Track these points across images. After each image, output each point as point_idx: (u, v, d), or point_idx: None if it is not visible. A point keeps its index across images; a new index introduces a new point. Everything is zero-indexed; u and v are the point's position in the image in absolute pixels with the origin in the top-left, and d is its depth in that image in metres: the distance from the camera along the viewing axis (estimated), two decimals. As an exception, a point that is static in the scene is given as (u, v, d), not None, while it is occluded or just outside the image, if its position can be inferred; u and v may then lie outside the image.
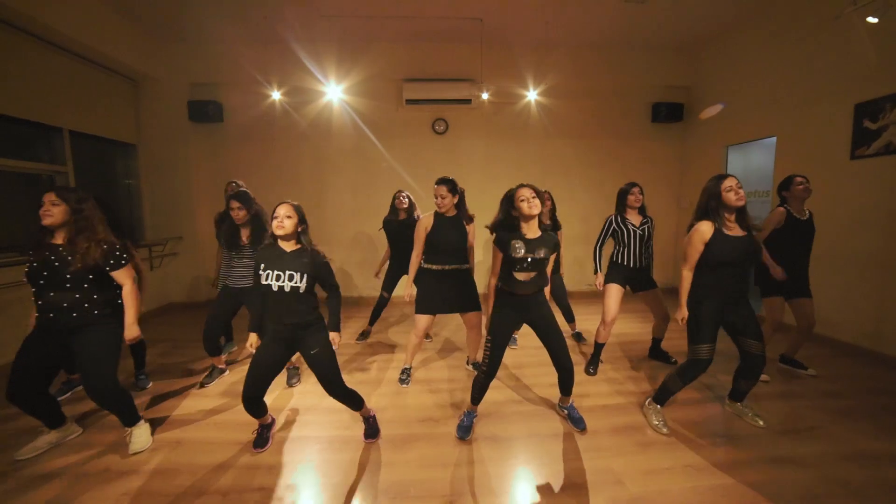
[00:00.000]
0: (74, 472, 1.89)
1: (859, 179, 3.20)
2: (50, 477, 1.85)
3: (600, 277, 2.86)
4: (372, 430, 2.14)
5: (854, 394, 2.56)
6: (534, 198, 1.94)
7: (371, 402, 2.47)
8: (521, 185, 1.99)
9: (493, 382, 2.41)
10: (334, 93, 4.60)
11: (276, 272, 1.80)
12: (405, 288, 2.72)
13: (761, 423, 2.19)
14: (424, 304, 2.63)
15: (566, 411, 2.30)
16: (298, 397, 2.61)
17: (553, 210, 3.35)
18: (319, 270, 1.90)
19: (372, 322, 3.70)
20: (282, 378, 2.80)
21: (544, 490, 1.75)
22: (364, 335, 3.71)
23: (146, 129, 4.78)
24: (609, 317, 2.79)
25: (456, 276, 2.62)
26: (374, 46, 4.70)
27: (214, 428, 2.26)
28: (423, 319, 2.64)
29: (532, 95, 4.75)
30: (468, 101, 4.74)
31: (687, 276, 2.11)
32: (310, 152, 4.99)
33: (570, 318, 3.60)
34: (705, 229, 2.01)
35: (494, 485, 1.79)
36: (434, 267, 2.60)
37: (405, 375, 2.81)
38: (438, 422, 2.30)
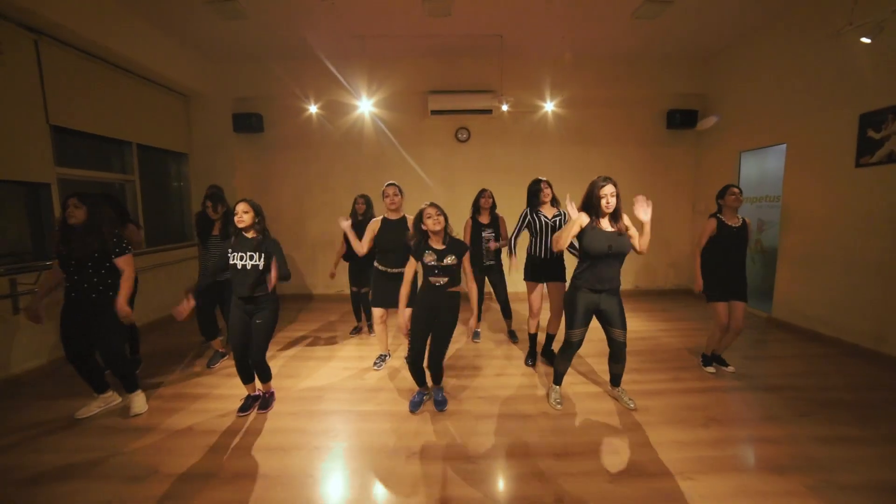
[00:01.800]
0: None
1: (863, 186, 3.34)
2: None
3: (514, 260, 3.25)
4: (269, 402, 2.58)
5: (851, 389, 2.75)
6: (438, 215, 2.32)
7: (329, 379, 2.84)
8: (428, 205, 2.36)
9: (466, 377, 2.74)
10: (365, 106, 4.99)
11: (240, 254, 2.33)
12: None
13: (633, 405, 2.52)
14: (374, 297, 3.04)
15: (426, 395, 2.63)
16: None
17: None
18: (274, 253, 2.38)
19: (358, 317, 4.08)
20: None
21: (549, 455, 2.06)
22: (357, 330, 4.07)
23: (196, 139, 5.30)
24: (534, 309, 3.13)
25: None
26: (401, 62, 5.08)
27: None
28: (376, 311, 3.07)
29: (549, 106, 5.02)
30: (489, 111, 5.05)
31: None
32: (342, 160, 5.42)
33: (507, 315, 3.74)
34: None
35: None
36: (380, 267, 2.99)
37: (380, 360, 3.22)
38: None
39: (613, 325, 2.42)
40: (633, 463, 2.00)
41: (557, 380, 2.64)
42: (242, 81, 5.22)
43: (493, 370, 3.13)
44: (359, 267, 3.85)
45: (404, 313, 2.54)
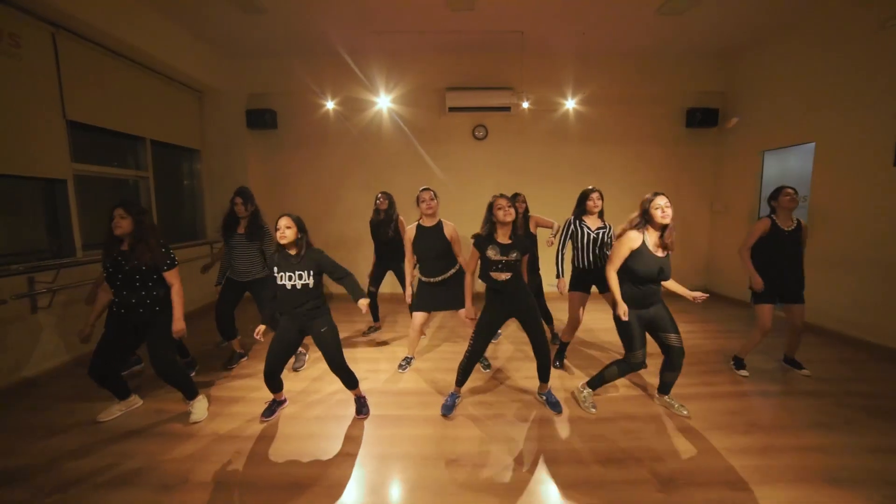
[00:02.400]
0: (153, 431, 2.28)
1: (900, 187, 3.26)
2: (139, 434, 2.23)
3: (562, 284, 3.06)
4: (362, 408, 2.47)
5: (885, 395, 2.67)
6: (509, 207, 2.26)
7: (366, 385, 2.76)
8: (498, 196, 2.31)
9: (496, 379, 2.68)
10: (384, 102, 4.92)
11: (287, 273, 2.21)
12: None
13: (686, 412, 2.43)
14: (417, 303, 2.93)
15: (544, 397, 2.56)
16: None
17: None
18: (324, 265, 2.27)
19: (375, 317, 4.04)
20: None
21: (584, 461, 2.00)
22: (372, 329, 4.04)
23: (208, 135, 5.23)
24: (577, 322, 3.04)
25: (448, 283, 2.87)
26: (418, 58, 4.99)
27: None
28: (417, 317, 2.94)
29: (570, 103, 4.94)
30: (507, 109, 4.97)
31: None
32: (359, 158, 5.34)
33: (547, 320, 3.65)
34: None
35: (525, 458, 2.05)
36: (422, 278, 2.89)
37: (405, 363, 3.14)
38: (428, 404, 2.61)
39: (667, 331, 2.33)
40: (681, 472, 1.93)
41: (595, 384, 2.53)
42: (256, 77, 5.14)
43: (521, 372, 3.05)
44: (381, 269, 3.78)
45: (470, 306, 2.56)
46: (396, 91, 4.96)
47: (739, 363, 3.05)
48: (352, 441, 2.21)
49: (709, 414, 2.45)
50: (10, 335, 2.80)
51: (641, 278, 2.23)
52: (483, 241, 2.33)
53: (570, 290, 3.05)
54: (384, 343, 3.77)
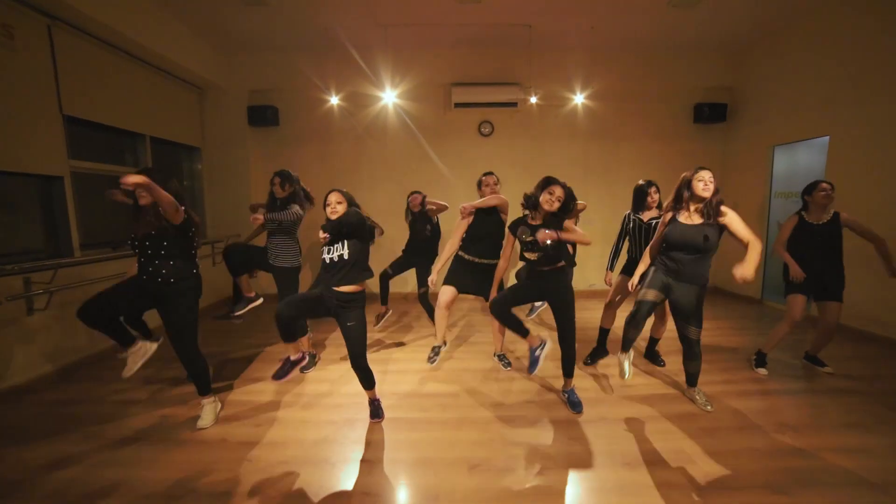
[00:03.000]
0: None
1: (920, 180, 3.20)
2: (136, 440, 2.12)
3: (611, 276, 3.03)
4: (377, 411, 2.35)
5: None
6: (558, 200, 2.26)
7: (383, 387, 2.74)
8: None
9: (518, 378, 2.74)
10: (389, 97, 4.81)
11: (326, 247, 2.16)
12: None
13: (710, 408, 2.39)
14: (448, 276, 2.88)
15: (566, 395, 2.49)
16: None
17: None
18: (357, 229, 2.14)
19: (384, 300, 3.66)
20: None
21: (612, 464, 1.90)
22: (382, 316, 3.67)
23: (209, 132, 5.11)
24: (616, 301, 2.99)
25: (484, 269, 2.83)
26: (424, 53, 4.90)
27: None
28: (444, 291, 2.85)
29: (579, 98, 4.87)
30: (514, 105, 4.89)
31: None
32: (364, 154, 5.24)
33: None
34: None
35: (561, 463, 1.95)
36: (465, 256, 2.86)
37: (434, 354, 3.03)
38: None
39: (688, 322, 2.32)
40: (716, 474, 1.85)
41: (626, 346, 2.41)
42: (258, 73, 5.03)
43: (543, 371, 2.92)
44: (407, 262, 3.67)
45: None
46: (402, 86, 4.86)
47: (761, 360, 2.97)
48: (371, 446, 2.11)
49: (736, 413, 2.37)
50: (4, 338, 2.68)
51: (673, 244, 2.26)
52: (515, 224, 2.39)
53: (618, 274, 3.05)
54: (401, 344, 3.64)
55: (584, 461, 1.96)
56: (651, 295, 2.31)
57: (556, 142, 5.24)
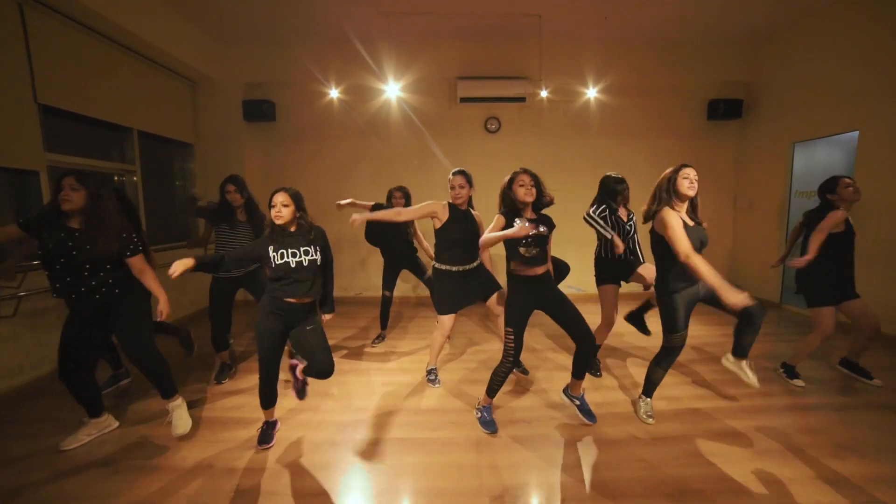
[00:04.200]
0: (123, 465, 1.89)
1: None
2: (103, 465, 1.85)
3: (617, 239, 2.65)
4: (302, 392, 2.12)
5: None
6: (532, 186, 2.02)
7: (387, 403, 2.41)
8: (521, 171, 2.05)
9: (535, 391, 2.37)
10: (392, 90, 4.58)
11: (290, 250, 1.89)
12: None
13: (755, 380, 2.18)
14: (448, 303, 2.56)
15: (577, 402, 2.25)
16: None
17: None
18: (325, 241, 2.02)
19: (384, 325, 3.57)
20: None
21: (650, 495, 1.66)
22: (380, 338, 3.61)
23: (202, 128, 4.86)
24: (612, 320, 2.75)
25: (475, 272, 2.59)
26: (428, 44, 4.67)
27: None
28: (448, 319, 2.58)
29: (591, 93, 4.64)
30: (522, 100, 4.67)
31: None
32: (365, 150, 4.99)
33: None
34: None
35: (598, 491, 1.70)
36: (454, 269, 2.52)
37: (433, 376, 2.75)
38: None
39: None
40: (775, 508, 1.60)
41: (649, 391, 2.28)
42: (254, 65, 4.79)
43: (554, 382, 2.70)
44: (394, 264, 3.41)
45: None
46: (405, 79, 4.63)
47: (791, 372, 2.74)
48: (377, 473, 1.85)
49: (782, 432, 2.12)
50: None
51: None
52: (510, 212, 2.05)
53: (600, 284, 2.76)
54: (404, 354, 3.37)
55: (617, 491, 1.71)
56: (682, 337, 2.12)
57: (566, 139, 5.01)
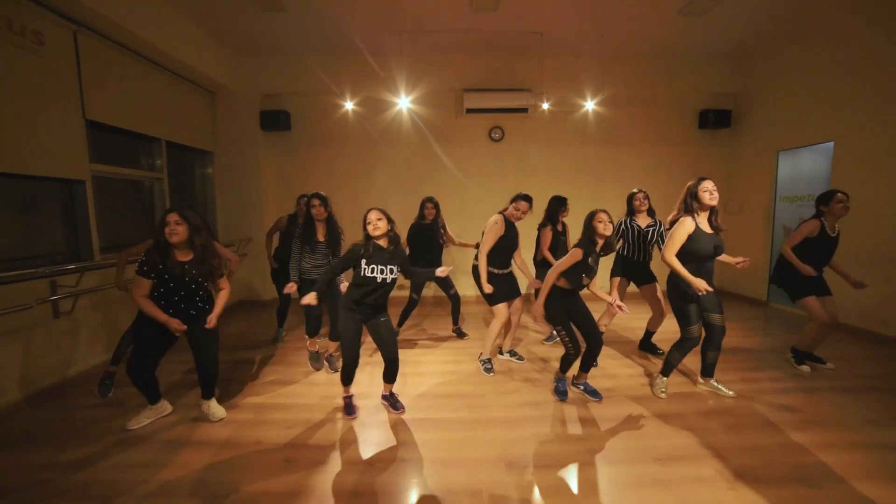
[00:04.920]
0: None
1: (924, 184, 3.31)
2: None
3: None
4: (396, 402, 2.51)
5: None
6: (609, 220, 2.39)
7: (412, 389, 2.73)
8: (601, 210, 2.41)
9: (540, 379, 2.75)
10: (404, 103, 4.88)
11: (380, 266, 2.24)
12: (483, 286, 2.89)
13: (731, 392, 2.60)
14: (498, 294, 2.92)
15: (582, 387, 2.67)
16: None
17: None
18: (406, 264, 2.39)
19: (401, 323, 3.83)
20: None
21: (643, 460, 1.95)
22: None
23: (221, 137, 5.14)
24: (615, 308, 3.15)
25: (511, 276, 3.07)
26: (437, 59, 4.98)
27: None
28: (503, 307, 2.96)
29: (590, 105, 4.95)
30: (525, 111, 4.98)
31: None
32: (378, 159, 5.30)
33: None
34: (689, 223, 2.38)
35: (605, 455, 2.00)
36: (495, 270, 2.96)
37: (489, 364, 3.06)
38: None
39: (713, 311, 2.49)
40: (746, 468, 1.90)
41: (667, 371, 2.66)
42: (270, 77, 5.08)
43: (551, 372, 3.00)
44: (422, 274, 3.65)
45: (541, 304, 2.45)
46: (415, 92, 4.93)
47: (800, 357, 3.01)
48: (406, 447, 2.14)
49: (758, 410, 2.43)
50: (32, 341, 2.68)
51: (702, 256, 2.38)
52: (588, 245, 2.38)
53: (613, 275, 3.22)
54: (425, 345, 3.68)
55: (615, 457, 2.01)
56: (699, 329, 2.51)
57: (567, 147, 5.33)
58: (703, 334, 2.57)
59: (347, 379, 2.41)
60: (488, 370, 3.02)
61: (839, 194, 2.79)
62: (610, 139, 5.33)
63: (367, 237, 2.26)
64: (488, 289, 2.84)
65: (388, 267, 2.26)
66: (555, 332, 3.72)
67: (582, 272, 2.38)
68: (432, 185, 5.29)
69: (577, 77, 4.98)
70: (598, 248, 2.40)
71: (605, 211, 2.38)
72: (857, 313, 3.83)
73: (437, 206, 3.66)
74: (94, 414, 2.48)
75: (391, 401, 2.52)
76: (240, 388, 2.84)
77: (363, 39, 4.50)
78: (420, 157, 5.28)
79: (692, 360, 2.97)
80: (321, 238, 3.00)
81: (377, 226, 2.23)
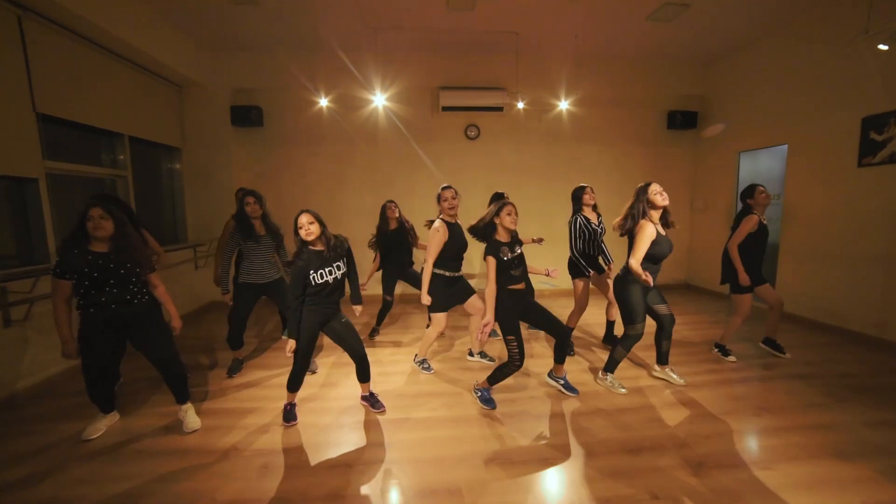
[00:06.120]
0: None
1: (865, 185, 3.58)
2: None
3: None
4: (376, 402, 2.51)
5: (873, 374, 2.93)
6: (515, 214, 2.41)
7: (384, 388, 2.76)
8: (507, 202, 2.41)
9: (518, 376, 2.89)
10: (380, 100, 4.82)
11: (326, 269, 2.24)
12: (422, 297, 2.80)
13: (682, 381, 2.79)
14: (441, 302, 2.85)
15: (561, 382, 2.71)
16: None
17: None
18: (349, 251, 2.39)
19: (379, 322, 3.86)
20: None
21: (615, 451, 2.05)
22: (374, 332, 3.90)
23: (189, 132, 4.93)
24: (584, 306, 3.31)
25: (461, 280, 2.99)
26: (412, 56, 4.95)
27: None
28: (443, 317, 2.90)
29: (563, 104, 5.05)
30: (500, 109, 5.03)
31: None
32: (353, 157, 5.22)
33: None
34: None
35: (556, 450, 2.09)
36: (447, 273, 2.85)
37: (426, 364, 3.09)
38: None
39: (659, 303, 2.70)
40: (708, 455, 2.03)
41: (612, 368, 2.75)
42: (242, 71, 4.90)
43: (534, 368, 3.08)
44: (395, 273, 3.67)
45: (490, 320, 2.33)
46: (391, 89, 4.88)
47: (724, 350, 3.26)
48: (379, 447, 2.15)
49: (718, 400, 2.58)
50: (-20, 352, 2.51)
51: (659, 258, 2.51)
52: (493, 246, 2.36)
53: (574, 278, 3.28)
54: (398, 344, 3.69)
55: (589, 450, 2.09)
56: (642, 327, 2.62)
57: (541, 146, 5.43)
58: (653, 328, 2.77)
59: (295, 385, 2.32)
60: (426, 369, 3.06)
61: (759, 187, 3.03)
62: (583, 137, 5.47)
63: (302, 243, 2.23)
64: (426, 300, 2.74)
65: (335, 265, 2.28)
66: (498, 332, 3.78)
67: (507, 269, 2.35)
68: (408, 183, 5.28)
69: (552, 77, 5.06)
70: (502, 238, 2.38)
71: (511, 203, 2.40)
72: (805, 305, 4.12)
73: (397, 206, 3.63)
74: (49, 427, 2.36)
75: (371, 401, 2.53)
76: (212, 392, 2.77)
77: (337, 35, 4.41)
78: (396, 155, 5.25)
79: (648, 355, 3.13)
80: (262, 231, 2.96)
81: (310, 230, 2.19)
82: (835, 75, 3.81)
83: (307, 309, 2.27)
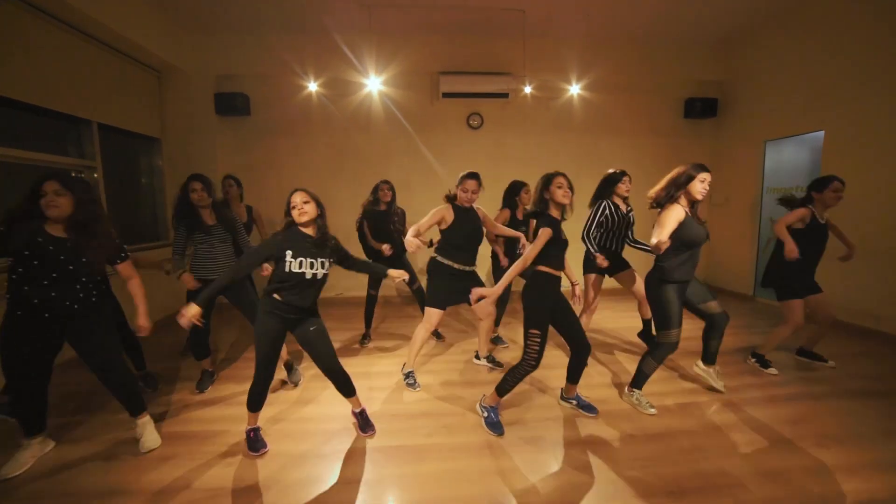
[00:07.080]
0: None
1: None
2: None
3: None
4: (366, 424, 2.13)
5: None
6: (569, 187, 2.02)
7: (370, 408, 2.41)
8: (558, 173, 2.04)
9: (527, 390, 2.40)
10: (374, 84, 4.44)
11: (308, 259, 1.85)
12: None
13: (721, 385, 2.49)
14: (440, 298, 2.53)
15: (574, 402, 2.34)
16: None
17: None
18: (343, 254, 2.03)
19: (368, 324, 3.49)
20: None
21: (652, 493, 1.65)
22: (366, 338, 3.51)
23: (170, 122, 4.57)
24: (594, 305, 2.98)
25: (471, 277, 2.59)
26: (410, 38, 4.57)
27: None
28: (436, 314, 2.54)
29: (574, 89, 4.66)
30: (505, 95, 4.64)
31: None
32: (345, 146, 4.84)
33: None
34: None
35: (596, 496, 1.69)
36: (455, 265, 2.51)
37: (412, 380, 2.65)
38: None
39: (707, 300, 2.36)
40: (773, 501, 1.62)
41: (640, 383, 2.34)
42: (226, 56, 4.55)
43: (547, 382, 2.69)
44: (384, 264, 3.28)
45: (496, 292, 2.00)
46: (386, 73, 4.50)
47: (763, 361, 2.85)
48: (367, 487, 1.75)
49: (768, 423, 2.18)
50: None
51: (696, 243, 2.13)
52: (547, 219, 1.99)
53: (586, 272, 2.92)
54: (384, 350, 3.30)
55: (619, 492, 1.70)
56: (677, 334, 2.24)
57: (549, 135, 5.03)
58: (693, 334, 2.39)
59: (255, 404, 1.93)
60: (411, 385, 2.62)
61: (836, 182, 2.58)
62: (594, 126, 5.07)
63: (290, 223, 1.88)
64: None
65: (320, 260, 1.88)
66: (499, 336, 3.38)
67: (559, 249, 2.02)
68: (405, 174, 4.89)
69: (562, 60, 4.67)
70: (556, 215, 2.06)
71: (562, 174, 2.03)
72: (846, 308, 3.69)
73: (392, 189, 3.29)
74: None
75: (361, 420, 2.13)
76: (173, 411, 2.39)
77: (327, 12, 4.03)
78: (392, 144, 4.86)
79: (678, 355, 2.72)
80: (210, 221, 2.57)
81: (304, 210, 1.84)
82: (881, 49, 3.38)
83: (265, 310, 1.88)
